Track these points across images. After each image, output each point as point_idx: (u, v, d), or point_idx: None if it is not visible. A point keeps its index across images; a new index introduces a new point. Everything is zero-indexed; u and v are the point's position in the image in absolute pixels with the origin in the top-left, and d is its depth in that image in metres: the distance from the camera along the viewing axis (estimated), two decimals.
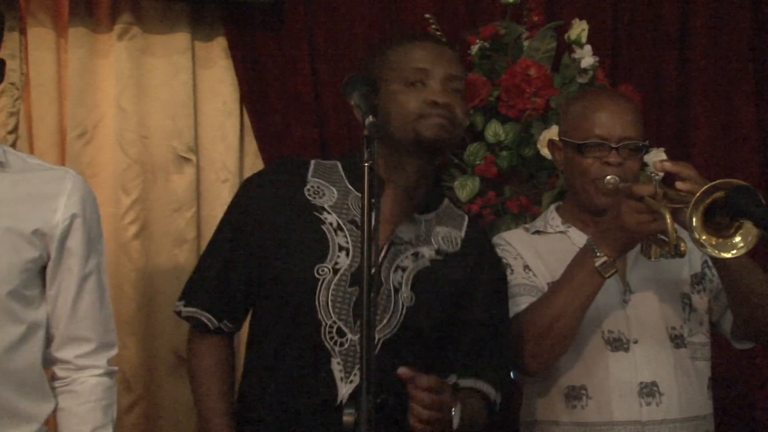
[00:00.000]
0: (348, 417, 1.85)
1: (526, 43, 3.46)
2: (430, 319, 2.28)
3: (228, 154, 3.59)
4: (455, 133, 2.30)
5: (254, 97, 3.55)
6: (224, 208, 3.41)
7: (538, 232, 2.68)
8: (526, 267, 2.58)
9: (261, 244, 2.30)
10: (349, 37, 3.63)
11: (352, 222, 2.29)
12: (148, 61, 3.53)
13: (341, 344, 2.21)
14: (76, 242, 2.28)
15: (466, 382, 2.34)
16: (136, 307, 3.45)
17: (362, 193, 1.90)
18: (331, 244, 2.26)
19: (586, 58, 3.43)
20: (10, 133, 3.39)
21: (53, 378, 2.34)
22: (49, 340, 2.31)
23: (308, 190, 2.33)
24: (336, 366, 2.20)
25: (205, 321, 2.33)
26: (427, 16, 3.48)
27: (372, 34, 3.65)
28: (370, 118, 1.98)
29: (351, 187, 2.34)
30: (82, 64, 3.46)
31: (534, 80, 3.31)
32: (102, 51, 3.50)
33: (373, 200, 1.91)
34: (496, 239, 2.66)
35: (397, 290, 2.25)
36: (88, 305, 2.32)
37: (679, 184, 2.29)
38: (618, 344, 2.52)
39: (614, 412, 2.47)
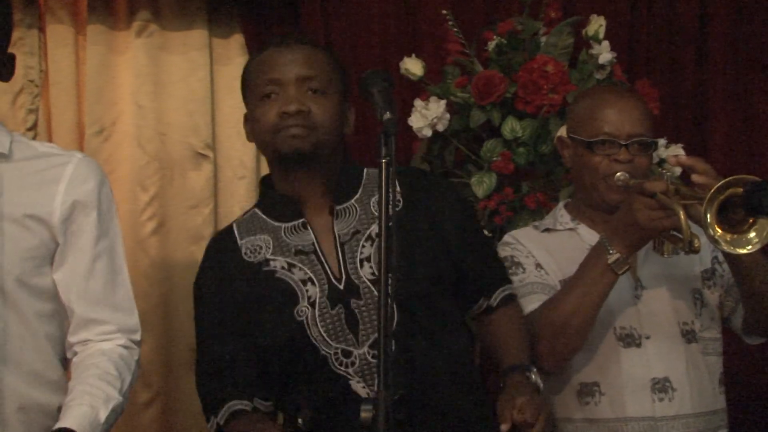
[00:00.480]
0: (365, 413, 1.84)
1: (543, 39, 3.45)
2: (419, 280, 2.22)
3: (245, 151, 3.60)
4: (318, 136, 2.22)
5: None
6: (241, 205, 3.50)
7: (547, 229, 2.67)
8: (538, 265, 2.57)
9: (237, 322, 2.27)
10: (366, 33, 3.63)
11: (299, 252, 2.25)
12: (166, 58, 3.55)
13: (352, 364, 2.18)
14: (81, 226, 2.19)
15: (497, 297, 2.39)
16: (154, 304, 3.47)
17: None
18: (294, 285, 2.23)
19: (604, 54, 3.40)
20: (29, 129, 3.44)
21: (74, 354, 2.25)
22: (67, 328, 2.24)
23: (245, 254, 2.30)
24: (357, 385, 2.18)
25: (240, 407, 2.25)
26: (444, 12, 3.47)
27: (389, 31, 3.65)
28: (387, 114, 1.97)
29: (276, 223, 2.31)
30: (100, 61, 3.49)
31: (551, 76, 3.29)
32: (120, 48, 3.53)
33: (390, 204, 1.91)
34: (506, 238, 2.67)
35: (374, 281, 2.18)
36: (100, 286, 2.21)
37: (695, 177, 2.29)
38: (630, 340, 2.51)
39: (627, 408, 2.46)
